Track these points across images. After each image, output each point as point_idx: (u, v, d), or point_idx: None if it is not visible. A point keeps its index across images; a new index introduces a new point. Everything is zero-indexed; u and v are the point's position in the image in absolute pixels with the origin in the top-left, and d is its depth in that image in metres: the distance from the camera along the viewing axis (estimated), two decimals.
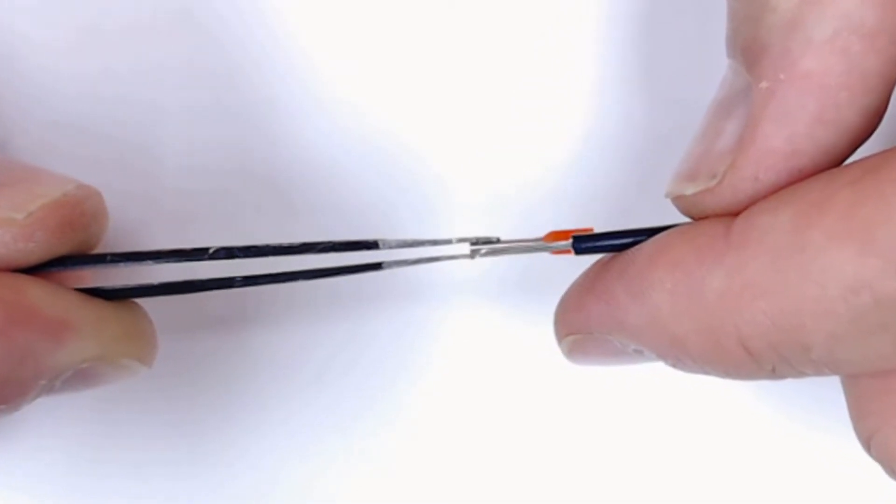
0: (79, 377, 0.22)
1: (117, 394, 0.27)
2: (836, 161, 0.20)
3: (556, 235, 0.23)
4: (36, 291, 0.21)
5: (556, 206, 0.27)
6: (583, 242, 0.22)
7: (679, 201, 0.22)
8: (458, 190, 0.27)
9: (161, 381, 0.27)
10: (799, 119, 0.20)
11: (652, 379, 0.27)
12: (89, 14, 0.26)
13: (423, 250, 0.24)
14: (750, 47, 0.21)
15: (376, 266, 0.23)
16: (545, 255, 0.23)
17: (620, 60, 0.27)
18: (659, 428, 0.27)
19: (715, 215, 0.21)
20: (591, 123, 0.27)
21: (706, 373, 0.21)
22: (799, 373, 0.20)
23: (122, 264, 0.22)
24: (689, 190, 0.21)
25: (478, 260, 0.23)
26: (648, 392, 0.27)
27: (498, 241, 0.23)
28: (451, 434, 0.27)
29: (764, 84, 0.20)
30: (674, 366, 0.22)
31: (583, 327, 0.22)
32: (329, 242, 0.23)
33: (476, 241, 0.23)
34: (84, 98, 0.26)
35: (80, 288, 0.22)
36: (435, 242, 0.23)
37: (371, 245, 0.23)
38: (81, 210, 0.22)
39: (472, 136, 0.27)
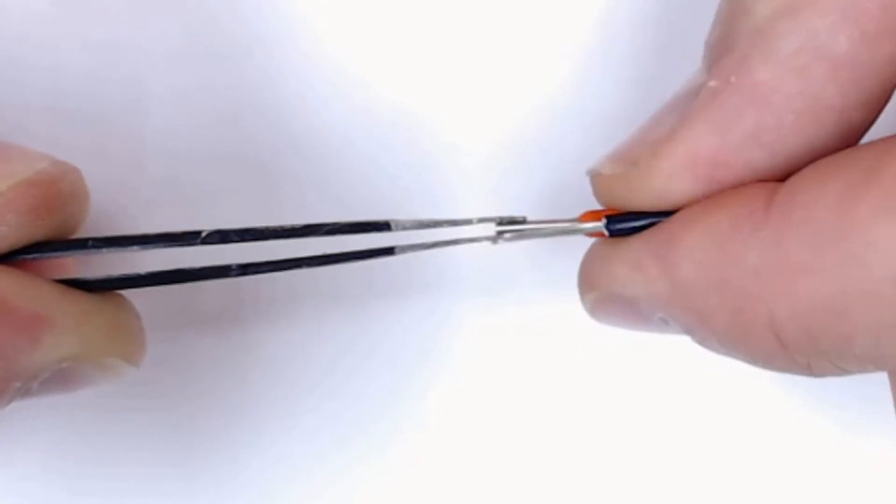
0: (58, 379, 0.20)
1: (99, 398, 0.25)
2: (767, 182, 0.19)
3: (589, 216, 0.21)
4: (7, 282, 0.19)
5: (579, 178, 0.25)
6: (616, 223, 0.21)
7: (594, 180, 0.21)
8: (473, 162, 0.26)
9: (150, 384, 0.25)
10: (733, 130, 0.19)
11: (676, 368, 0.26)
12: None
13: (439, 232, 0.22)
14: (716, 46, 0.20)
15: (388, 251, 0.21)
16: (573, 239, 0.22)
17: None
18: (683, 423, 0.26)
19: (619, 211, 0.20)
20: (613, 90, 0.26)
21: (733, 356, 0.20)
22: (839, 369, 0.19)
23: (105, 250, 0.21)
24: (607, 170, 0.21)
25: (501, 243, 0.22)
26: (671, 383, 0.26)
27: (524, 221, 0.22)
28: (467, 438, 0.26)
29: (712, 83, 0.19)
30: (699, 343, 0.20)
31: (606, 287, 0.21)
32: (335, 224, 0.21)
33: (501, 222, 0.22)
34: (60, 74, 0.24)
35: (60, 279, 0.21)
36: (454, 223, 0.22)
37: (382, 226, 0.21)
38: (57, 189, 0.20)
39: (484, 105, 0.26)
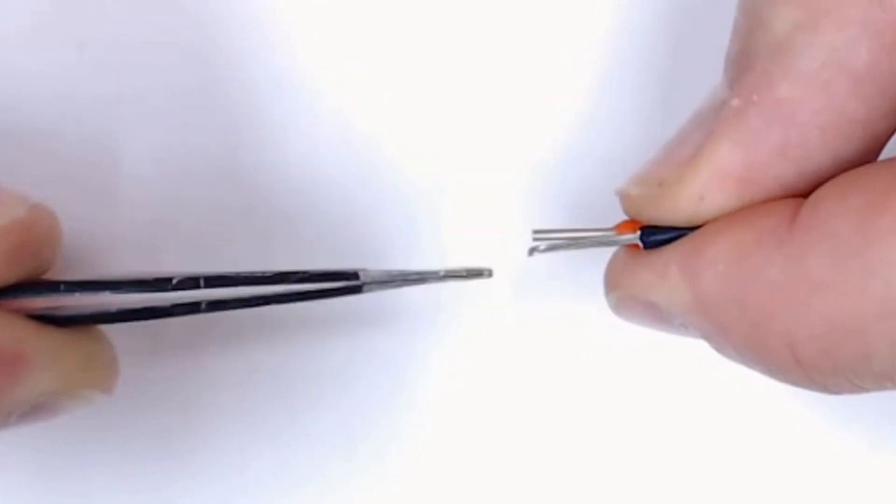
0: (35, 410, 0.21)
1: (74, 429, 0.25)
2: (796, 196, 0.19)
3: (625, 226, 0.22)
4: None
5: (549, 210, 0.26)
6: (651, 235, 0.21)
7: (624, 201, 0.21)
8: (445, 199, 0.26)
9: (138, 396, 0.25)
10: (760, 147, 0.19)
11: (692, 377, 0.26)
12: None
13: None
14: (736, 62, 0.20)
15: (356, 289, 0.22)
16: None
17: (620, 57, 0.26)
18: (699, 434, 0.26)
19: (652, 224, 0.21)
20: (576, 128, 0.26)
21: (749, 367, 0.20)
22: (855, 386, 0.18)
23: (77, 294, 0.21)
24: (634, 191, 0.21)
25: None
26: (688, 393, 0.26)
27: (559, 230, 0.22)
28: (465, 444, 0.26)
29: (735, 101, 0.19)
30: (717, 351, 0.20)
31: (630, 289, 0.21)
32: (305, 272, 0.22)
33: (537, 231, 0.22)
34: (31, 95, 0.25)
35: (33, 315, 0.21)
36: (421, 276, 0.22)
37: (351, 276, 0.22)
38: (34, 236, 0.21)
39: (463, 143, 0.26)
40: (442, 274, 0.22)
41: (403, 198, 0.26)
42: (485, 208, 0.26)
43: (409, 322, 0.26)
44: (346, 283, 0.22)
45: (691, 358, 0.25)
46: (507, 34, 0.26)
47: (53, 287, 0.21)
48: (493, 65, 0.26)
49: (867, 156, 0.19)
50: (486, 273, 0.22)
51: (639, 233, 0.21)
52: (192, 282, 0.21)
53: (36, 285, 0.21)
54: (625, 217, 0.22)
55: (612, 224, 0.22)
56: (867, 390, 0.19)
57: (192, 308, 0.21)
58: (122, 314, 0.21)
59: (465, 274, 0.22)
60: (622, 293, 0.22)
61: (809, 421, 0.26)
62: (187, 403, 0.26)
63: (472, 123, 0.26)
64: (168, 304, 0.21)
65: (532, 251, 0.22)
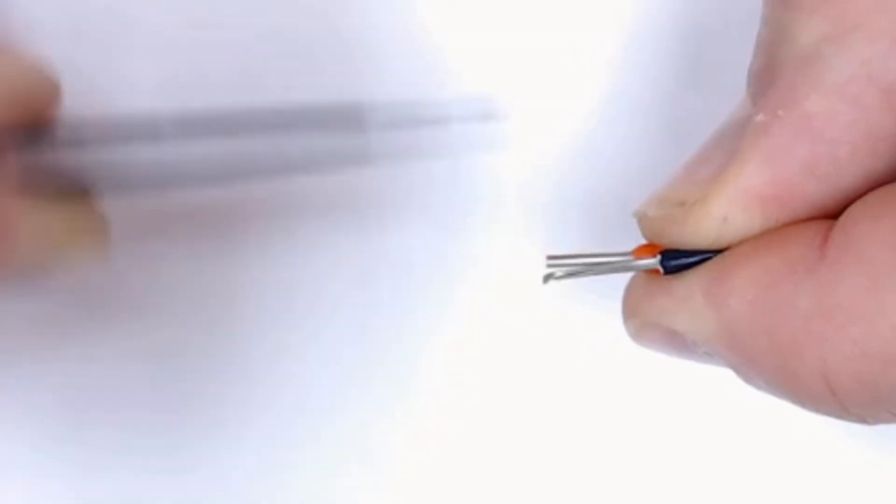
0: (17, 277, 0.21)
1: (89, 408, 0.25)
2: (825, 217, 0.18)
3: (643, 251, 0.21)
4: None
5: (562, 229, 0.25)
6: (672, 259, 0.20)
7: (642, 221, 0.20)
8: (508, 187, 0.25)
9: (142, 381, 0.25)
10: (787, 164, 0.18)
11: (709, 389, 0.26)
12: None
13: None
14: (760, 76, 0.19)
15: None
16: None
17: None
18: (716, 448, 0.26)
19: (672, 248, 0.20)
20: (590, 144, 0.25)
21: (779, 398, 0.19)
22: (894, 416, 0.18)
23: (59, 143, 0.20)
24: (653, 212, 0.20)
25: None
26: (704, 405, 0.26)
27: (574, 255, 0.21)
28: (463, 442, 0.26)
29: (760, 117, 0.18)
30: (744, 381, 0.19)
31: (650, 317, 0.20)
32: (305, 107, 0.19)
33: (550, 257, 0.21)
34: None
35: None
36: (433, 120, 0.20)
37: (354, 115, 0.19)
38: (43, 95, 0.20)
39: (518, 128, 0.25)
40: (453, 116, 0.20)
41: (404, 207, 0.25)
42: (495, 227, 0.25)
43: (412, 321, 0.26)
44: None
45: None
46: (517, 46, 0.25)
47: (33, 137, 0.20)
48: (503, 74, 0.25)
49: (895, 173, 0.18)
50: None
51: (658, 257, 0.20)
52: (184, 124, 0.19)
53: (25, 138, 0.20)
54: (642, 240, 0.21)
55: (628, 247, 0.21)
56: None
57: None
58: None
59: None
60: (642, 321, 0.21)
61: (818, 427, 0.25)
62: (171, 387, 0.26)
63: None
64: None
65: (547, 278, 0.21)
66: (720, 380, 0.23)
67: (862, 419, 0.18)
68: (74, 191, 0.21)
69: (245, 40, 0.25)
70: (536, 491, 0.26)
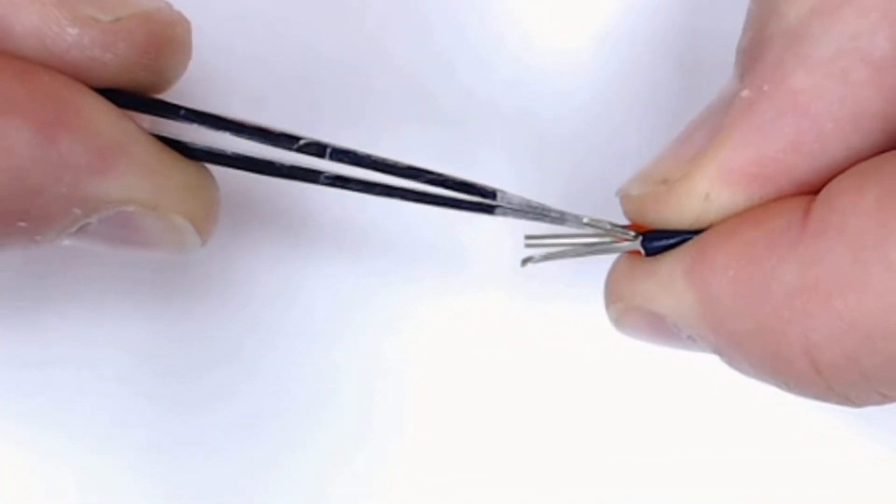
0: (119, 223, 0.20)
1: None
2: (808, 193, 0.18)
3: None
4: (94, 104, 0.19)
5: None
6: (653, 241, 0.20)
7: (624, 201, 0.20)
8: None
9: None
10: (771, 140, 0.18)
11: (706, 383, 0.25)
12: None
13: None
14: (747, 52, 0.18)
15: (488, 209, 0.20)
16: None
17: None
18: (713, 443, 0.25)
19: (654, 229, 0.19)
20: (573, 127, 0.25)
21: (764, 381, 0.18)
22: (881, 395, 0.17)
23: (195, 125, 0.20)
24: (636, 190, 0.19)
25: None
26: (700, 401, 0.25)
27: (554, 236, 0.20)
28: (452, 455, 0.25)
29: (745, 93, 0.18)
30: (728, 364, 0.19)
31: (632, 301, 0.20)
32: (441, 175, 0.20)
33: (529, 237, 0.20)
34: None
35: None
36: (561, 216, 0.20)
37: (488, 194, 0.20)
38: (171, 34, 0.19)
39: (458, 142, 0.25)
40: (585, 221, 0.20)
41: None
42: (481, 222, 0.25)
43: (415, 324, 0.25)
44: (480, 199, 0.20)
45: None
46: (510, 33, 0.25)
47: (173, 110, 0.20)
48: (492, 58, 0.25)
49: (884, 150, 0.18)
50: (631, 236, 0.20)
51: (640, 238, 0.20)
52: (318, 147, 0.20)
53: (155, 102, 0.20)
54: (625, 221, 0.20)
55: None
56: (892, 399, 0.17)
57: (312, 175, 0.20)
58: (237, 159, 0.20)
59: (608, 228, 0.20)
60: (624, 306, 0.20)
61: (820, 422, 0.25)
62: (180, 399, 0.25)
63: (468, 121, 0.25)
64: (288, 162, 0.20)
65: (526, 261, 0.21)
66: (707, 373, 0.23)
67: (847, 399, 0.17)
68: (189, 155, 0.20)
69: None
70: (527, 488, 0.25)
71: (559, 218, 0.20)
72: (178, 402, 0.25)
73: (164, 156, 0.20)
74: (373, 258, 0.25)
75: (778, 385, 0.18)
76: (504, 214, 0.20)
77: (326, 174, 0.20)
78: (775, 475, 0.25)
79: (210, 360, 0.25)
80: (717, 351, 0.19)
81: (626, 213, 0.20)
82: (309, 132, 0.20)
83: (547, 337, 0.25)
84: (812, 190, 0.18)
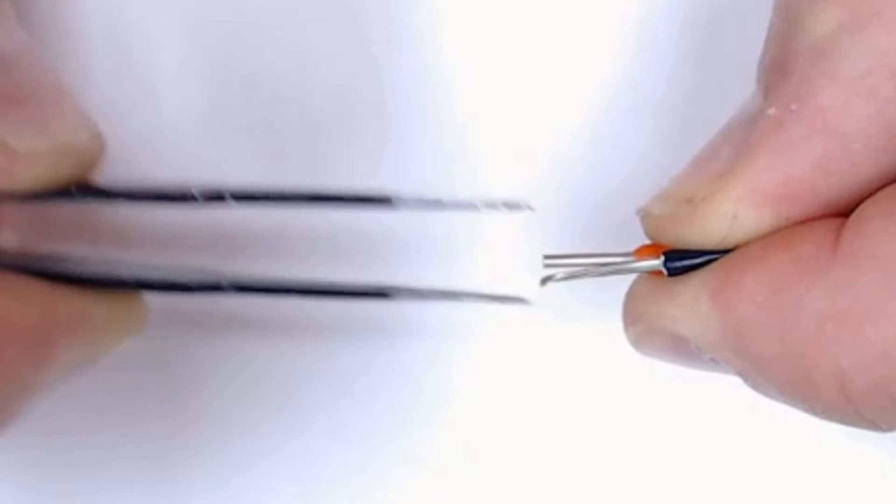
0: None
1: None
2: (838, 215, 0.17)
3: (645, 251, 0.20)
4: (7, 298, 0.18)
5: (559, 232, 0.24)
6: (676, 261, 0.19)
7: (646, 221, 0.19)
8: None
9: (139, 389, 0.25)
10: (800, 160, 0.17)
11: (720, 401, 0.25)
12: None
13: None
14: (772, 69, 0.18)
15: (383, 294, 0.20)
16: None
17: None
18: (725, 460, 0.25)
19: (676, 249, 0.19)
20: (589, 142, 0.24)
21: (789, 405, 0.18)
22: None
23: (90, 199, 0.20)
24: (658, 209, 0.19)
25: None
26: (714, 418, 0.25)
27: (571, 255, 0.20)
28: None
29: (772, 111, 0.17)
30: (753, 388, 0.19)
31: (654, 322, 0.19)
32: (337, 193, 0.20)
33: (548, 257, 0.20)
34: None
35: (50, 274, 0.19)
36: (459, 206, 0.20)
37: (384, 201, 0.20)
38: (83, 166, 0.20)
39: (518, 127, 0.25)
40: (479, 205, 0.20)
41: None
42: (491, 228, 0.24)
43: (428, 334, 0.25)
44: (381, 221, 0.20)
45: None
46: (521, 37, 0.24)
47: (65, 192, 0.19)
48: (506, 66, 0.24)
49: None
50: (522, 205, 0.20)
51: (662, 258, 0.19)
52: (215, 195, 0.19)
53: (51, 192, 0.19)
54: (645, 241, 0.20)
55: (630, 248, 0.20)
56: None
57: (213, 288, 0.20)
58: (138, 283, 0.20)
59: (502, 206, 0.20)
60: (644, 327, 0.20)
61: (824, 432, 0.24)
62: (192, 405, 0.25)
63: (481, 130, 0.25)
64: (188, 279, 0.20)
65: (545, 281, 0.20)
66: (724, 386, 0.23)
67: (875, 425, 0.17)
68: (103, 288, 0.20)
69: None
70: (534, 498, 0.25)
71: (457, 206, 0.20)
72: None
73: (83, 301, 0.20)
74: (381, 269, 0.25)
75: (804, 409, 0.18)
76: (401, 298, 0.20)
77: (228, 282, 0.20)
78: (785, 487, 0.25)
79: None
80: (740, 374, 0.19)
81: (648, 233, 0.20)
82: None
83: (556, 354, 0.25)
84: (841, 211, 0.18)
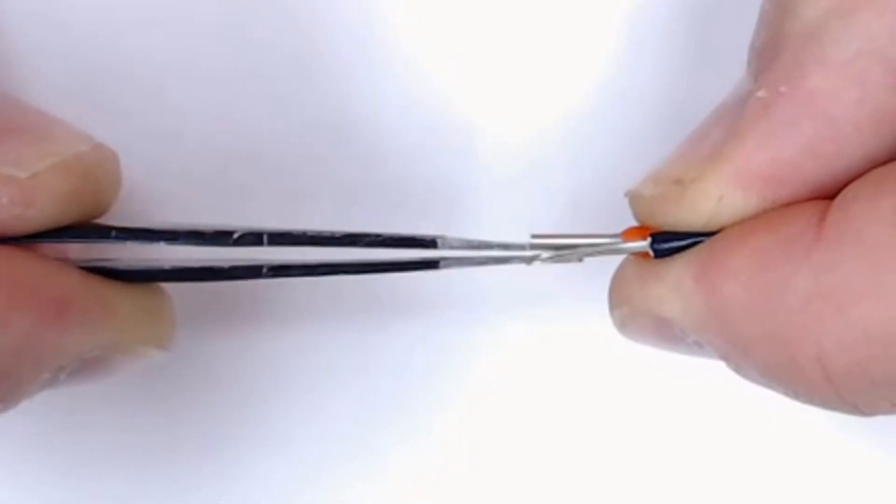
0: (87, 367, 0.19)
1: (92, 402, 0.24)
2: (824, 198, 0.17)
3: (632, 233, 0.20)
4: (33, 268, 0.18)
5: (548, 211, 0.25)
6: (663, 242, 0.19)
7: (634, 202, 0.20)
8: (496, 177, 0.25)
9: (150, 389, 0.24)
10: (788, 142, 0.17)
11: (715, 392, 0.25)
12: None
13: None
14: (762, 52, 0.18)
15: (432, 264, 0.20)
16: None
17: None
18: (721, 451, 0.25)
19: (663, 230, 0.19)
20: (577, 124, 0.25)
21: (770, 388, 0.18)
22: (892, 405, 0.17)
23: (128, 242, 0.19)
24: (648, 191, 0.19)
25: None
26: (709, 408, 0.25)
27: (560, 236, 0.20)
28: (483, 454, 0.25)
29: (762, 94, 0.18)
30: (735, 371, 0.19)
31: (639, 304, 0.20)
32: (378, 235, 0.20)
33: (535, 237, 0.20)
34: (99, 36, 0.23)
35: (85, 266, 0.20)
36: (505, 247, 0.20)
37: (428, 244, 0.20)
38: (94, 177, 0.19)
39: (508, 116, 0.25)
40: (528, 247, 0.20)
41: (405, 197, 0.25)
42: (480, 210, 0.25)
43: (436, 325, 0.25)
44: (422, 253, 0.20)
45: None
46: (515, 26, 0.25)
47: (104, 232, 0.19)
48: (496, 50, 0.24)
49: None
50: (556, 237, 0.20)
51: (649, 240, 0.19)
52: (254, 237, 0.20)
53: (85, 229, 0.19)
54: (633, 223, 0.20)
55: (618, 230, 0.20)
56: None
57: (253, 272, 0.20)
58: (177, 272, 0.20)
59: (553, 254, 0.20)
60: (630, 309, 0.20)
61: (813, 425, 0.25)
62: (203, 395, 0.25)
63: (470, 115, 0.25)
64: (227, 264, 0.20)
65: (532, 260, 0.20)
66: (726, 385, 0.23)
67: (856, 408, 0.17)
68: (134, 280, 0.20)
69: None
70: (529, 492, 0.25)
71: (503, 248, 0.20)
72: None
73: (112, 290, 0.20)
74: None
75: (785, 392, 0.18)
76: (448, 266, 0.20)
77: (267, 266, 0.20)
78: (777, 480, 0.25)
79: None
80: (723, 356, 0.19)
81: (636, 214, 0.20)
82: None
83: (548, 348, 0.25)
84: (827, 194, 0.18)
